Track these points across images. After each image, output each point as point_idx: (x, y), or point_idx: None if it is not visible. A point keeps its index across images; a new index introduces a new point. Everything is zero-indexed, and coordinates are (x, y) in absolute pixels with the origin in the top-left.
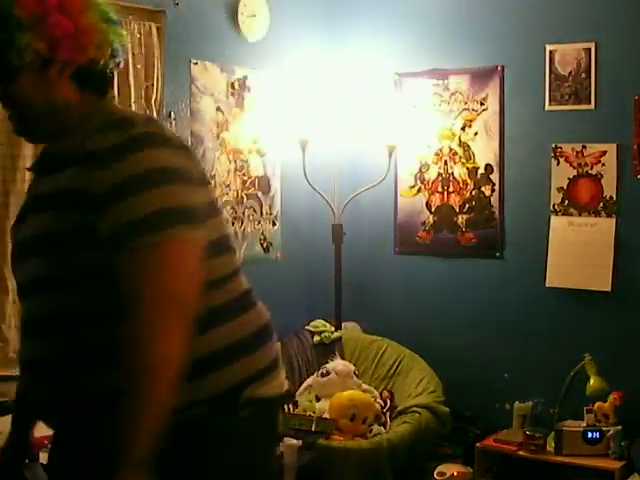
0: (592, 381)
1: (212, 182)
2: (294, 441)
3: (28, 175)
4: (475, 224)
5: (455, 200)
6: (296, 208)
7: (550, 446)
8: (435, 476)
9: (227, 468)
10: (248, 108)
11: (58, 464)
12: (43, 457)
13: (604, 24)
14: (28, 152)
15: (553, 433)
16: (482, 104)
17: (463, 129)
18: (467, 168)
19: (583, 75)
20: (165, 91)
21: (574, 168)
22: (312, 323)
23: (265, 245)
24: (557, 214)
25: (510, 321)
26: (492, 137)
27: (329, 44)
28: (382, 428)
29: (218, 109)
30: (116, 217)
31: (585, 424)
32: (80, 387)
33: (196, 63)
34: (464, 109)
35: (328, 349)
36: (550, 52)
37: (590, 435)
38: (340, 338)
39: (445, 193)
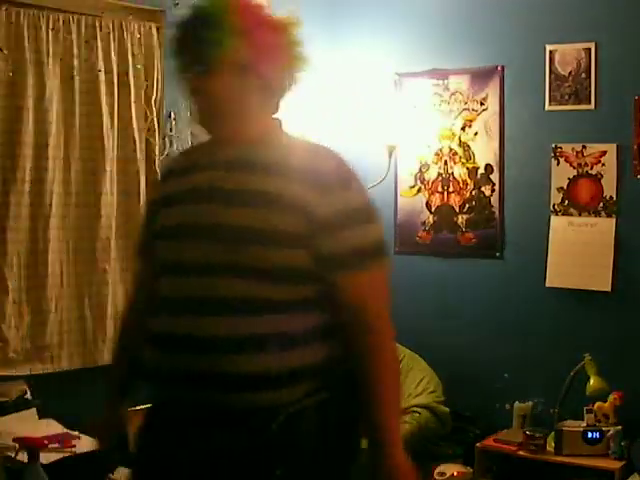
0: (592, 381)
1: None
2: None
3: (29, 175)
4: (475, 224)
5: (455, 200)
6: None
7: (550, 446)
8: (435, 476)
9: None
10: None
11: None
12: (44, 457)
13: (604, 24)
14: (28, 152)
15: (553, 433)
16: (482, 104)
17: (463, 129)
18: (467, 168)
19: (583, 75)
20: (165, 91)
21: (574, 168)
22: None
23: None
24: (557, 214)
25: (510, 321)
26: (492, 137)
27: (329, 44)
28: None
29: None
30: (343, 241)
31: (585, 424)
32: (246, 366)
33: None
34: (464, 109)
35: None
36: (550, 52)
37: (590, 435)
38: None
39: (445, 193)
